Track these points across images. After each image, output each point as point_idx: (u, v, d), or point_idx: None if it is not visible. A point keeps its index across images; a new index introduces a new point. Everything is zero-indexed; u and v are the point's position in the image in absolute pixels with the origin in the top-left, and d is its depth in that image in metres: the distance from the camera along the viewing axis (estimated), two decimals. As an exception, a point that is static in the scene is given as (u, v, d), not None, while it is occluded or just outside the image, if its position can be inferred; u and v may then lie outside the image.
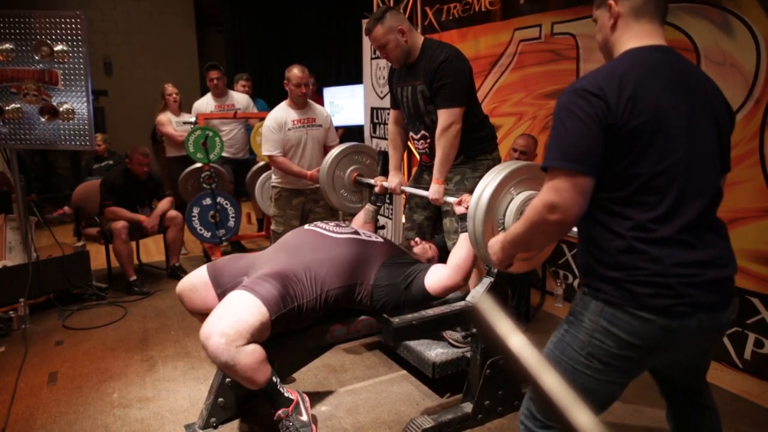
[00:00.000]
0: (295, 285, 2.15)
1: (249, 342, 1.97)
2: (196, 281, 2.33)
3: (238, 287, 2.13)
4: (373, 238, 2.53)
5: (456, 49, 2.52)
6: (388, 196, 4.44)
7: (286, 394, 2.11)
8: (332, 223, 2.56)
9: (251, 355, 1.96)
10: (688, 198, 1.24)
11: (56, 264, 3.63)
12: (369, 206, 2.96)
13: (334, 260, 2.28)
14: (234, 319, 1.95)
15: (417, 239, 2.75)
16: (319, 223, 2.55)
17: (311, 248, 2.33)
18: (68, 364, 2.87)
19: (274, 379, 2.09)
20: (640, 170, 1.23)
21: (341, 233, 2.45)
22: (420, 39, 2.54)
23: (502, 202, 1.93)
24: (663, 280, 1.21)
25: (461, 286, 2.35)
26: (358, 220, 2.94)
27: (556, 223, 1.25)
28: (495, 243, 1.55)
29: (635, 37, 1.32)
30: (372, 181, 2.99)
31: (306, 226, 2.57)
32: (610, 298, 1.25)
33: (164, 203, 4.23)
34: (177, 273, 4.25)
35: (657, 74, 1.26)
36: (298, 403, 2.13)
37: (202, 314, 2.34)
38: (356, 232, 2.49)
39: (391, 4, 4.44)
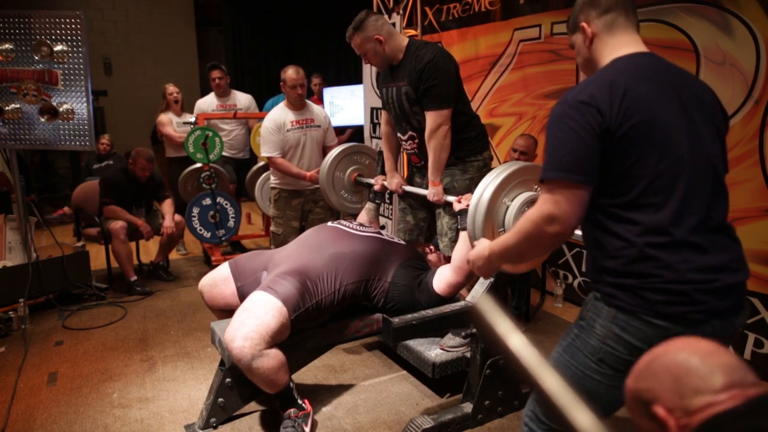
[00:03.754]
0: (313, 281, 2.22)
1: (271, 344, 2.04)
2: (216, 276, 2.47)
3: (258, 287, 2.20)
4: (396, 239, 2.61)
5: (441, 48, 2.50)
6: (388, 195, 4.45)
7: (299, 401, 2.20)
8: (356, 222, 2.66)
9: (273, 359, 2.04)
10: (695, 197, 1.23)
11: (56, 264, 3.63)
12: (369, 204, 2.97)
13: (354, 255, 2.35)
14: (257, 323, 2.01)
15: (431, 247, 2.76)
16: (342, 221, 2.64)
17: (333, 243, 2.40)
18: (68, 364, 2.87)
19: (291, 384, 2.18)
20: (642, 171, 1.22)
21: (364, 231, 2.53)
22: (404, 41, 2.51)
23: (502, 203, 1.93)
24: (678, 287, 1.19)
25: (465, 284, 2.35)
26: (363, 220, 2.95)
27: (555, 235, 1.26)
28: (479, 258, 1.54)
29: (615, 50, 1.34)
30: (372, 181, 3.00)
31: (329, 223, 2.64)
32: (623, 304, 1.24)
33: (168, 206, 4.23)
34: (158, 271, 4.27)
35: (645, 77, 1.27)
36: (308, 414, 2.21)
37: (221, 310, 2.47)
38: (379, 232, 2.57)
39: (391, 5, 4.43)
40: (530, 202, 1.91)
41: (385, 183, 2.86)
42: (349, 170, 3.25)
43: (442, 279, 2.35)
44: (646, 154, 1.22)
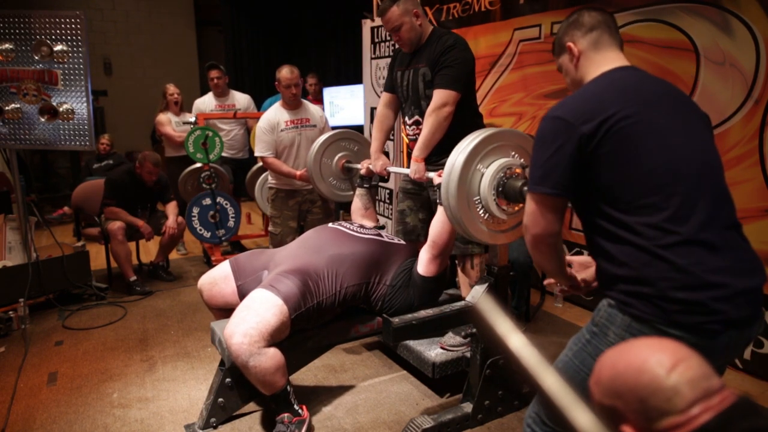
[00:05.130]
0: (315, 281, 2.22)
1: (270, 342, 2.04)
2: (217, 275, 2.47)
3: (259, 285, 2.20)
4: (395, 240, 2.60)
5: (464, 39, 2.52)
6: (388, 195, 4.45)
7: (296, 407, 2.18)
8: (356, 224, 2.66)
9: (271, 359, 2.03)
10: (698, 195, 1.22)
11: (56, 264, 3.63)
12: (359, 190, 2.92)
13: (355, 257, 2.34)
14: (258, 320, 2.01)
15: None
16: (343, 223, 2.64)
17: (334, 244, 2.40)
18: (68, 364, 2.87)
19: (289, 388, 2.16)
20: (639, 171, 1.23)
21: (364, 233, 2.53)
22: (429, 26, 2.55)
23: (477, 171, 1.86)
24: (694, 297, 1.17)
25: (443, 259, 2.35)
26: (357, 208, 2.91)
27: (533, 243, 1.36)
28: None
29: (600, 66, 1.39)
30: (359, 166, 2.95)
31: (330, 224, 2.63)
32: (638, 313, 1.22)
33: (172, 207, 4.23)
34: (158, 271, 4.28)
35: (628, 86, 1.31)
36: (303, 421, 2.19)
37: (220, 309, 2.47)
38: (379, 234, 2.57)
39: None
40: (506, 169, 1.85)
41: (371, 166, 2.82)
42: (336, 157, 3.16)
43: (421, 260, 2.36)
44: (635, 156, 1.23)
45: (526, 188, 1.77)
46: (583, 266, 1.52)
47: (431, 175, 2.39)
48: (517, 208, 1.90)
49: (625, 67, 1.38)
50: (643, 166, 1.22)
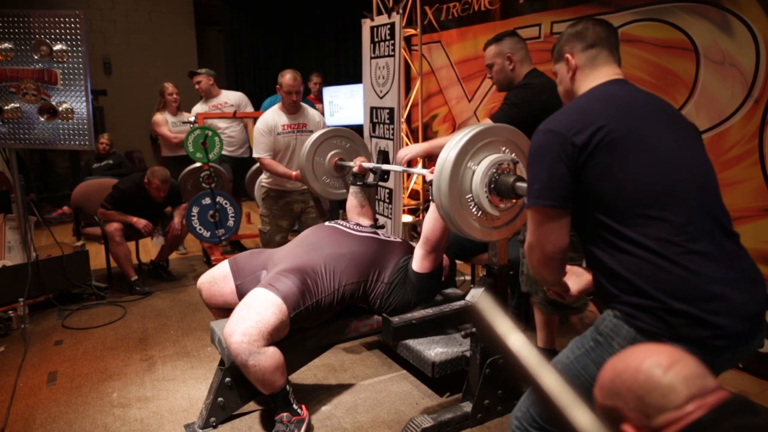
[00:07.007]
0: (313, 280, 2.23)
1: (269, 341, 2.04)
2: (216, 274, 2.48)
3: (258, 284, 2.21)
4: (392, 238, 2.61)
5: (542, 82, 2.39)
6: (387, 194, 4.44)
7: (295, 406, 2.19)
8: (353, 222, 2.68)
9: (270, 358, 2.03)
10: (695, 203, 1.22)
11: (55, 264, 3.63)
12: (353, 188, 2.92)
13: (353, 255, 2.35)
14: (257, 319, 2.02)
15: None
16: (339, 221, 2.65)
17: (331, 243, 2.41)
18: (67, 364, 2.87)
19: (288, 387, 2.16)
20: (632, 183, 1.23)
21: (361, 231, 2.54)
22: (526, 70, 2.48)
23: (468, 168, 1.83)
24: (696, 309, 1.17)
25: (437, 255, 2.35)
26: (353, 206, 2.91)
27: (544, 262, 1.33)
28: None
29: (593, 81, 1.41)
30: (352, 163, 2.95)
31: (326, 223, 2.65)
32: (645, 326, 1.21)
33: (181, 209, 4.22)
34: (158, 271, 4.28)
35: (620, 98, 1.33)
36: (302, 420, 2.19)
37: (219, 308, 2.48)
38: (375, 232, 2.58)
39: (391, 4, 4.43)
40: (497, 165, 1.81)
41: (365, 164, 2.81)
42: (329, 155, 3.14)
43: (416, 257, 2.38)
44: (627, 168, 1.24)
45: (518, 184, 1.76)
46: (575, 274, 1.51)
47: (424, 171, 2.41)
48: (509, 204, 1.89)
49: (617, 81, 1.39)
50: (635, 177, 1.23)
